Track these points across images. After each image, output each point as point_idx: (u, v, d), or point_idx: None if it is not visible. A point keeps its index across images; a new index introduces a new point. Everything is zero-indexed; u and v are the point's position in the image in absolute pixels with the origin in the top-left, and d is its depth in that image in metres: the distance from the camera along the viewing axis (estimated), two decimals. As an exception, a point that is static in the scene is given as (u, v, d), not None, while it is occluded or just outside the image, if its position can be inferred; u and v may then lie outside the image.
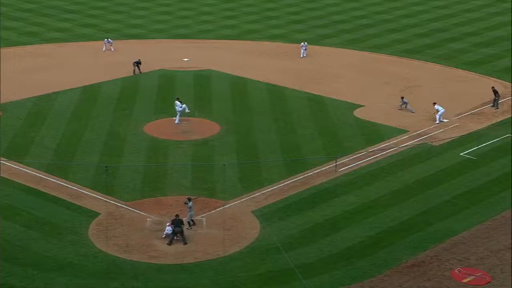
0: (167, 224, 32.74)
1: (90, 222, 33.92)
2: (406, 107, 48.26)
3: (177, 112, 45.33)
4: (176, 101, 45.52)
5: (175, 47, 64.44)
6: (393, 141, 43.55)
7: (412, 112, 47.64)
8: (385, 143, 43.12)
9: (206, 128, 45.55)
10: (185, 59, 60.71)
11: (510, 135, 44.25)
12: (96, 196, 36.44)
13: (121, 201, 35.99)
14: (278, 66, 58.84)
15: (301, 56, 60.89)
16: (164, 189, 37.39)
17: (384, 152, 41.72)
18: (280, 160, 40.53)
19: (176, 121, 45.19)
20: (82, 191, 36.83)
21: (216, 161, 40.47)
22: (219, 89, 53.39)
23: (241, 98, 51.35)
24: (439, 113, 46.18)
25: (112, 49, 61.84)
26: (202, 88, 53.60)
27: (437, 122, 46.07)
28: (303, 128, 45.43)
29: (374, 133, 44.76)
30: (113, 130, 45.06)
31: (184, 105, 45.49)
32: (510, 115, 47.68)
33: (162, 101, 50.52)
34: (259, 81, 54.93)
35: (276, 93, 52.31)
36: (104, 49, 61.78)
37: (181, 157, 41.27)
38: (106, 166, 38.09)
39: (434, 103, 46.82)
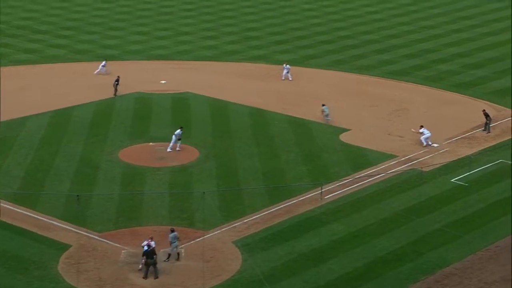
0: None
1: (60, 256, 33.56)
2: (326, 117, 49.67)
3: (174, 139, 44.98)
4: (179, 130, 45.24)
5: (151, 68, 64.58)
6: (381, 166, 43.81)
7: (328, 119, 49.37)
8: (373, 169, 43.35)
9: (185, 154, 45.49)
10: (163, 81, 60.83)
11: (503, 160, 44.73)
12: (67, 227, 36.12)
13: (93, 232, 35.71)
14: (260, 88, 59.18)
15: (282, 78, 61.19)
16: (140, 218, 37.18)
17: (372, 178, 41.92)
18: (263, 187, 40.54)
19: (168, 149, 45.00)
20: (52, 222, 36.50)
21: (195, 188, 40.37)
22: (198, 112, 53.48)
23: (221, 122, 51.47)
24: (424, 136, 46.59)
25: (104, 71, 60.68)
26: (180, 112, 53.66)
27: (424, 144, 46.48)
28: (287, 153, 45.58)
29: (361, 158, 45.01)
30: (86, 157, 44.85)
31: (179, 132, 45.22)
32: (503, 140, 48.25)
33: (138, 125, 50.46)
34: (240, 104, 55.13)
35: (258, 117, 52.51)
36: (96, 72, 60.75)
37: (158, 184, 41.13)
38: (77, 195, 37.82)
39: (421, 126, 47.25)
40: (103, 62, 62.28)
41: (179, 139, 45.26)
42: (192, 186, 40.87)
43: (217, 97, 56.74)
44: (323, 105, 51.51)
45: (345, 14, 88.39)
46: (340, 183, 41.27)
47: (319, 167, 43.66)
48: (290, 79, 61.16)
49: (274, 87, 59.69)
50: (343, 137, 48.51)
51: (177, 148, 45.11)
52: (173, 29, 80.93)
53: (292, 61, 66.83)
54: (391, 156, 45.24)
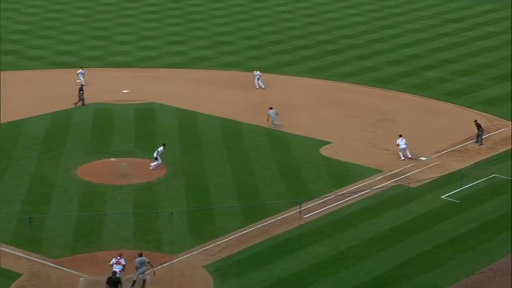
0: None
1: (9, 286, 33.13)
2: (274, 122, 50.75)
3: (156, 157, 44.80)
4: (162, 148, 45.10)
5: (112, 77, 64.40)
6: (366, 182, 44.10)
7: (276, 124, 50.80)
8: (357, 185, 43.62)
9: (150, 170, 45.37)
10: (125, 91, 60.67)
11: (497, 175, 45.32)
12: (17, 253, 35.72)
13: (48, 259, 35.36)
14: (232, 97, 59.32)
15: (256, 87, 61.43)
16: (100, 242, 36.94)
17: (356, 195, 42.17)
18: (237, 206, 40.55)
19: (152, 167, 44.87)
20: (0, 248, 36.05)
21: (162, 208, 40.24)
22: (165, 124, 53.39)
23: (191, 135, 51.43)
24: (400, 147, 46.96)
25: (82, 82, 59.90)
26: (144, 124, 53.52)
27: (402, 158, 46.88)
28: (263, 168, 45.67)
29: (343, 173, 45.27)
30: (39, 174, 44.48)
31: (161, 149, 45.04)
32: (496, 152, 48.92)
33: (98, 139, 50.23)
34: (211, 115, 55.17)
35: (231, 129, 52.58)
36: (78, 81, 60.07)
37: (120, 204, 40.92)
38: (29, 218, 37.47)
39: (400, 136, 47.61)
40: (80, 70, 61.15)
41: (155, 158, 44.86)
42: (159, 206, 40.72)
43: (185, 108, 56.71)
44: (270, 108, 52.32)
45: (324, 17, 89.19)
46: (321, 200, 41.44)
47: (298, 183, 43.81)
48: (263, 87, 61.42)
49: (248, 96, 59.86)
50: (324, 151, 48.77)
51: (151, 167, 44.69)
52: (135, 34, 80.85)
53: (266, 68, 67.15)
54: (376, 171, 45.57)
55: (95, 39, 77.98)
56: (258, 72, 61.97)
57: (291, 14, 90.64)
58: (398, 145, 47.11)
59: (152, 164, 44.90)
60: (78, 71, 61.32)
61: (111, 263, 32.93)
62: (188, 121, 54.21)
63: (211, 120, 54.25)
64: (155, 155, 45.08)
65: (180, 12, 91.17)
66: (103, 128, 52.53)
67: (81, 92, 56.57)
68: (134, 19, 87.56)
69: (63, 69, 66.96)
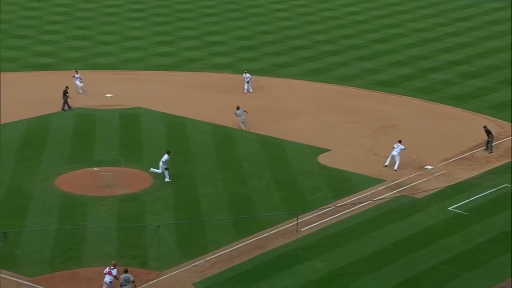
0: None
1: (-16, 305, 33.14)
2: (242, 123, 51.86)
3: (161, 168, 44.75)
4: (166, 156, 45.07)
5: (95, 79, 64.42)
6: (367, 193, 44.20)
7: (243, 124, 51.80)
8: (357, 196, 43.72)
9: (135, 180, 45.37)
10: (108, 95, 60.71)
11: (508, 184, 45.43)
12: (-8, 270, 35.66)
13: (23, 277, 35.26)
14: (224, 102, 59.42)
15: (244, 90, 61.53)
16: (81, 259, 36.90)
17: (356, 207, 42.27)
18: (229, 218, 40.59)
19: (166, 179, 44.78)
20: (-27, 264, 36.01)
21: (148, 221, 40.25)
22: (151, 131, 53.44)
23: (179, 142, 51.49)
24: (392, 154, 46.96)
25: (81, 90, 59.78)
26: (129, 131, 53.56)
27: (386, 164, 47.04)
28: (257, 178, 45.74)
29: (343, 183, 45.37)
30: (15, 185, 44.44)
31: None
32: (507, 161, 49.05)
33: (79, 147, 50.24)
34: (200, 121, 55.25)
35: (223, 136, 52.66)
36: (80, 89, 59.72)
37: (103, 217, 40.92)
38: (4, 232, 37.34)
39: (399, 142, 47.70)
40: (76, 75, 60.70)
41: (166, 168, 44.85)
42: (145, 218, 40.73)
43: (173, 113, 56.77)
44: (237, 108, 53.16)
45: (322, 15, 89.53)
46: (319, 212, 41.51)
47: (295, 194, 43.89)
48: (251, 90, 61.57)
49: (241, 101, 59.95)
50: (322, 159, 48.87)
51: (166, 179, 44.71)
52: (119, 33, 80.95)
53: (261, 70, 67.34)
54: (378, 181, 45.68)
55: (76, 39, 78.05)
56: (248, 75, 62.08)
57: (287, 12, 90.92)
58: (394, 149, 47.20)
59: (166, 176, 44.64)
60: (74, 75, 60.71)
61: (104, 271, 33.45)
62: (176, 127, 54.25)
63: (201, 126, 54.31)
64: (161, 165, 44.80)
65: (167, 10, 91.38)
66: (85, 135, 52.53)
67: (67, 95, 56.52)
68: (118, 18, 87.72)
69: (43, 72, 66.94)
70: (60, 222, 40.08)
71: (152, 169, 45.27)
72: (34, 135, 52.40)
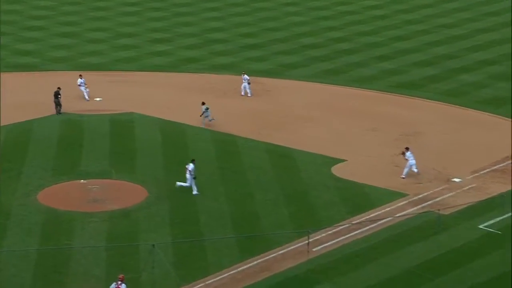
0: None
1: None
2: (206, 118, 54.00)
3: (189, 177, 44.81)
4: (192, 165, 45.18)
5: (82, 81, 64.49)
6: (387, 208, 44.09)
7: (210, 121, 54.47)
8: (376, 212, 43.61)
9: (127, 193, 45.36)
10: (97, 99, 60.80)
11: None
12: (-34, 295, 35.69)
13: (3, 302, 35.36)
14: (226, 107, 59.44)
15: (242, 93, 61.53)
16: (66, 282, 36.84)
17: (375, 224, 42.15)
18: (232, 237, 40.52)
19: (195, 192, 44.84)
20: None
21: (141, 240, 40.21)
22: (146, 139, 53.47)
23: (177, 151, 51.49)
24: (409, 162, 47.06)
25: (87, 96, 59.95)
26: (121, 139, 53.58)
27: (403, 176, 47.04)
28: (263, 191, 45.69)
29: (360, 197, 45.28)
30: (-6, 199, 44.49)
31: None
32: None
33: (64, 157, 50.28)
34: (201, 128, 55.26)
35: (225, 144, 52.66)
36: (86, 97, 59.87)
37: (91, 235, 40.87)
38: (-19, 252, 37.38)
39: (407, 149, 47.69)
40: (81, 79, 60.43)
41: (194, 178, 44.89)
42: (138, 237, 40.68)
43: (170, 119, 56.81)
44: (202, 103, 55.09)
45: (337, 9, 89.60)
46: (333, 230, 41.40)
47: (306, 209, 43.81)
48: (249, 95, 61.55)
49: (246, 106, 59.98)
50: (337, 170, 48.81)
51: (194, 192, 44.73)
52: (110, 30, 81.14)
53: (268, 71, 67.35)
54: (399, 195, 45.58)
55: (62, 37, 78.23)
56: (246, 76, 62.14)
57: (297, 6, 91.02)
58: (407, 159, 47.09)
59: (194, 188, 44.62)
60: (79, 81, 60.39)
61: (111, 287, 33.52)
62: (174, 135, 54.26)
63: (201, 134, 54.31)
64: (188, 177, 44.76)
65: (164, 4, 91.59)
66: (71, 143, 52.56)
67: (59, 96, 56.57)
68: (108, 13, 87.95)
69: (24, 72, 67.06)
70: (43, 242, 40.03)
71: (178, 184, 45.08)
72: (14, 143, 52.42)
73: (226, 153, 51.27)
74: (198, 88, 63.99)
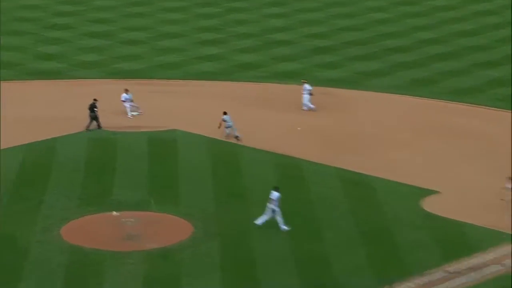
0: None
1: None
2: (228, 129, 54.93)
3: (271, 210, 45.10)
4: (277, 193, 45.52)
5: (115, 91, 64.99)
6: (492, 253, 43.54)
7: (229, 133, 54.89)
8: (478, 258, 43.11)
9: (169, 229, 45.57)
10: (134, 113, 61.26)
11: None
12: None
13: None
14: (290, 123, 59.47)
15: (304, 107, 61.71)
16: (94, 336, 37.19)
17: (476, 273, 41.63)
18: (296, 284, 40.36)
19: (283, 226, 45.13)
20: None
21: (185, 286, 40.30)
22: (191, 162, 53.72)
23: (229, 178, 51.62)
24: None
25: (131, 112, 60.82)
26: (162, 161, 53.90)
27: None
28: (335, 229, 45.53)
29: (457, 239, 44.86)
30: (6, 235, 44.89)
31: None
32: None
33: (93, 184, 50.70)
34: (258, 150, 55.35)
35: (288, 169, 52.65)
36: (129, 115, 60.80)
37: (126, 279, 41.09)
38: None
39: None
40: (126, 95, 60.96)
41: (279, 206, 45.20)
42: (181, 282, 40.78)
43: (221, 138, 56.98)
44: (224, 113, 56.67)
45: (428, 4, 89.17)
46: (424, 279, 41.02)
47: (388, 252, 43.53)
48: (312, 107, 61.61)
49: (314, 122, 59.90)
50: (428, 204, 48.42)
51: (282, 226, 44.94)
52: (150, 29, 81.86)
53: (342, 80, 67.22)
54: (508, 237, 44.97)
55: (92, 37, 79.10)
56: (307, 86, 62.13)
57: (379, 0, 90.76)
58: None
59: (280, 221, 44.95)
60: (123, 97, 60.81)
61: None
62: (225, 157, 54.43)
63: (259, 157, 54.39)
64: (275, 208, 44.96)
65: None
66: (102, 166, 53.02)
67: (95, 109, 57.33)
68: (148, 8, 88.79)
69: (47, 81, 67.85)
70: (67, 286, 40.28)
71: (258, 222, 45.10)
72: (34, 166, 53.07)
73: (289, 180, 51.15)
74: (255, 100, 64.12)
